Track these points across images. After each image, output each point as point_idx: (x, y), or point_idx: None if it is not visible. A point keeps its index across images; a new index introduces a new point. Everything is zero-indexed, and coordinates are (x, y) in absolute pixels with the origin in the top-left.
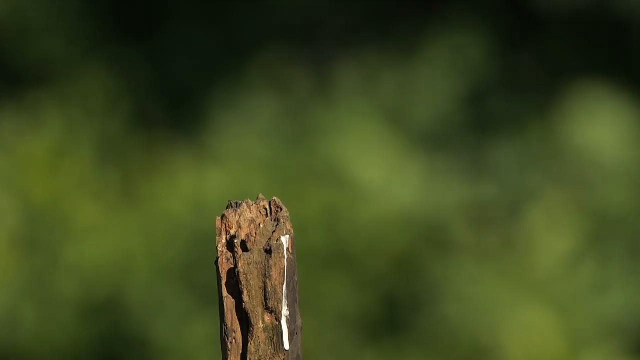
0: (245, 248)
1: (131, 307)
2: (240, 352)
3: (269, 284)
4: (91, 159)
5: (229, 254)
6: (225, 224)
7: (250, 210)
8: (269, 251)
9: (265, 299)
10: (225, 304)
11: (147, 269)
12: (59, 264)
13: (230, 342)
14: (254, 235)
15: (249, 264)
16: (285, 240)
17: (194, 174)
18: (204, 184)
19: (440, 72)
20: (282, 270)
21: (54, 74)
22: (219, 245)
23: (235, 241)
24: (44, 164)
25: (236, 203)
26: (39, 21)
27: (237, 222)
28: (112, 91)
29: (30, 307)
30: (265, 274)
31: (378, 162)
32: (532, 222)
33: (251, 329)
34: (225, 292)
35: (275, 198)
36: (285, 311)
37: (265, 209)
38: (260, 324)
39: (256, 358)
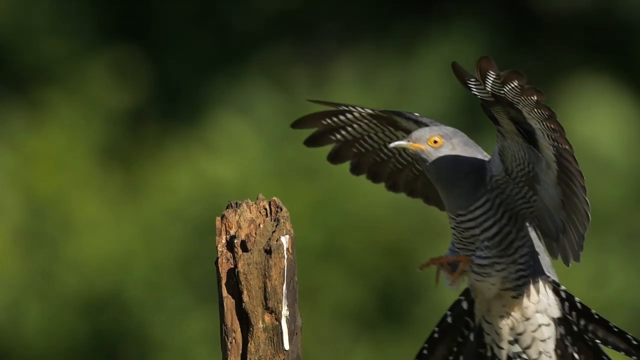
0: (245, 248)
1: (130, 303)
2: (240, 352)
3: (268, 284)
4: (93, 155)
5: (229, 254)
6: (225, 224)
7: (250, 210)
8: (268, 251)
9: (265, 299)
10: (225, 304)
11: (147, 265)
12: (61, 260)
13: (230, 342)
14: (254, 235)
15: (248, 264)
16: (285, 240)
17: (193, 168)
18: (202, 178)
19: (438, 71)
20: (282, 271)
21: (58, 72)
22: (219, 245)
23: (235, 241)
24: (48, 161)
25: (236, 203)
26: (43, 22)
27: (237, 222)
28: (113, 88)
29: (32, 303)
30: (265, 274)
31: None
32: None
33: (251, 329)
34: (225, 292)
35: (275, 198)
36: (285, 311)
37: (265, 209)
38: (260, 324)
39: (256, 358)
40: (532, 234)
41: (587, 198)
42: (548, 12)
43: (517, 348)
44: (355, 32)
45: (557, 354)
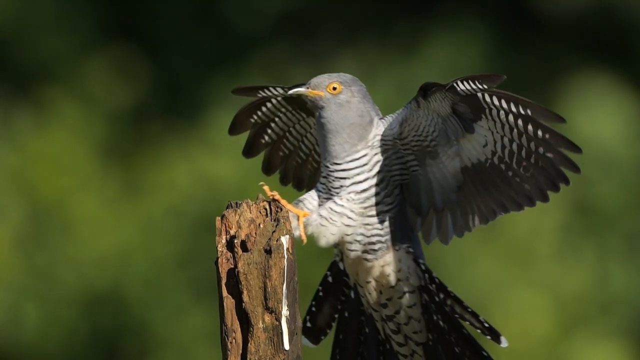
0: (245, 248)
1: (130, 300)
2: (240, 352)
3: (268, 284)
4: (94, 154)
5: (229, 254)
6: (225, 224)
7: (250, 210)
8: (268, 251)
9: (265, 299)
10: (225, 304)
11: (147, 263)
12: (61, 259)
13: (230, 342)
14: (254, 235)
15: (248, 264)
16: (285, 240)
17: (193, 166)
18: (202, 177)
19: (440, 71)
20: (282, 271)
21: (59, 72)
22: (219, 245)
23: (235, 241)
24: (49, 160)
25: (236, 203)
26: (43, 21)
27: (237, 222)
28: (114, 87)
29: (32, 301)
30: (265, 274)
31: None
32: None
33: (251, 329)
34: (225, 292)
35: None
36: (285, 311)
37: (265, 209)
38: (260, 324)
39: (256, 358)
40: (402, 204)
41: (498, 214)
42: (549, 11)
43: (388, 312)
44: (356, 32)
45: (424, 318)
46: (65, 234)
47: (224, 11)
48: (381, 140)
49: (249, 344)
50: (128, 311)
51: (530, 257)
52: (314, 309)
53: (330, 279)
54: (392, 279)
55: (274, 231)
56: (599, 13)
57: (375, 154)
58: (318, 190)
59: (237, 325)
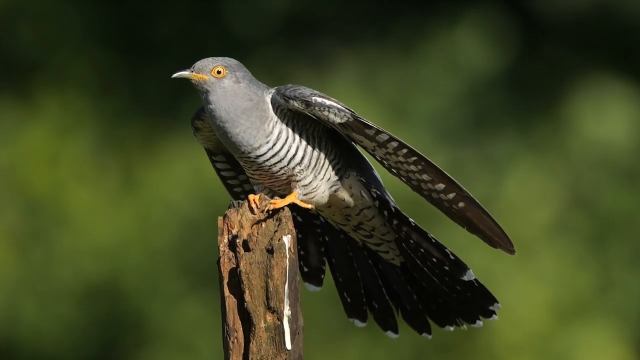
0: (247, 248)
1: (127, 293)
2: (242, 352)
3: (270, 284)
4: (89, 148)
5: (231, 253)
6: (227, 224)
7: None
8: (270, 251)
9: (267, 298)
10: (227, 304)
11: (143, 255)
12: (57, 254)
13: (232, 342)
14: (256, 234)
15: (250, 264)
16: (287, 240)
17: (190, 160)
18: (200, 171)
19: (441, 68)
20: (283, 270)
21: (52, 64)
22: (221, 245)
23: (237, 241)
24: (43, 155)
25: (238, 202)
26: (37, 11)
27: (239, 221)
28: (109, 80)
29: (30, 295)
30: (267, 273)
31: None
32: (514, 195)
33: (253, 328)
34: (227, 292)
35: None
36: (287, 311)
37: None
38: (262, 323)
39: (258, 358)
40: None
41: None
42: (552, 12)
43: (353, 223)
44: (356, 31)
45: (387, 225)
46: (61, 228)
47: (224, 11)
48: (282, 110)
49: (251, 344)
50: (125, 303)
51: (526, 250)
52: (302, 252)
53: (299, 218)
54: (348, 200)
55: (275, 231)
56: (603, 15)
57: (287, 123)
58: (256, 184)
59: (239, 325)
